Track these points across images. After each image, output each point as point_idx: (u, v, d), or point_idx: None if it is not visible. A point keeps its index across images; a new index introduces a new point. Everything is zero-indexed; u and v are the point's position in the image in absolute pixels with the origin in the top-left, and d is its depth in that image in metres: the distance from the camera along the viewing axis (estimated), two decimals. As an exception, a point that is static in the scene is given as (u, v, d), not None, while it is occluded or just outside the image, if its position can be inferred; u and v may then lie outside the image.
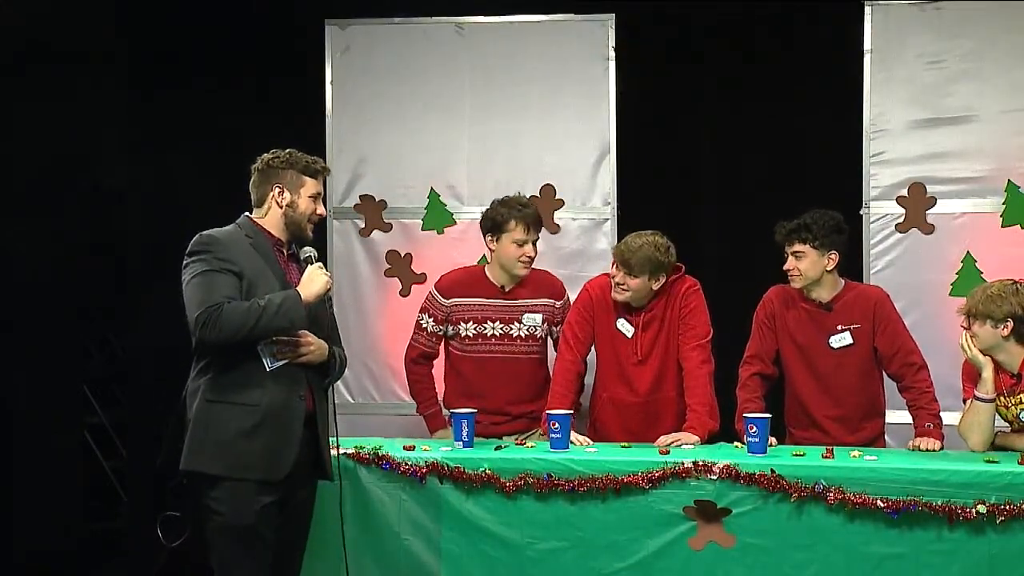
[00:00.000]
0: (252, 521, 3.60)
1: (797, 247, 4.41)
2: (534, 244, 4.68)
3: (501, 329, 4.71)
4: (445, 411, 4.77)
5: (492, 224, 4.68)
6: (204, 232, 3.70)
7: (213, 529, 3.62)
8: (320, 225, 5.38)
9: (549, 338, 4.82)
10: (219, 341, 3.56)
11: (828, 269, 4.43)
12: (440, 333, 4.78)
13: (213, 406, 3.62)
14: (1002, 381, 4.16)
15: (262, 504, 3.61)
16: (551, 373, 4.70)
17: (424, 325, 4.79)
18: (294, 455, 3.67)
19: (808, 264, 4.41)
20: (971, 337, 4.16)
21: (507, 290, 4.73)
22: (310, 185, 3.83)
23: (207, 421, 3.61)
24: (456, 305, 4.74)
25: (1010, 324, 4.10)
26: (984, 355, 4.14)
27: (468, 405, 4.48)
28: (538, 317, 4.74)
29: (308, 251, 3.84)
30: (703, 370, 4.47)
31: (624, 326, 4.59)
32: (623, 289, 4.51)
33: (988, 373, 4.11)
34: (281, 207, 3.79)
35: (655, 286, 4.52)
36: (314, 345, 3.75)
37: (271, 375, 3.65)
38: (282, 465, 3.64)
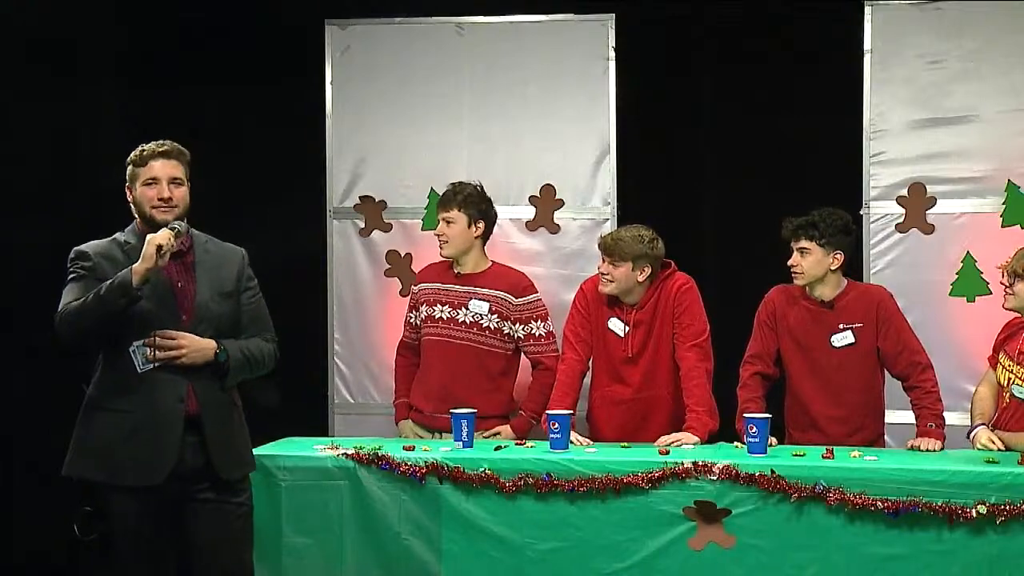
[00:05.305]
0: (134, 524, 3.56)
1: (803, 243, 4.42)
2: (447, 223, 4.74)
3: (448, 312, 4.76)
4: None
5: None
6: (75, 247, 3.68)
7: (103, 532, 3.65)
8: (320, 225, 5.43)
9: (510, 335, 4.77)
10: (70, 340, 3.53)
11: (832, 268, 4.44)
12: (415, 322, 4.88)
13: (93, 412, 3.62)
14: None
15: (143, 509, 3.55)
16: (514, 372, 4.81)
17: (408, 317, 4.93)
18: (172, 462, 3.56)
19: (812, 262, 4.41)
20: (1008, 296, 4.16)
21: (460, 275, 4.79)
22: (141, 173, 3.72)
23: (87, 427, 3.61)
24: (421, 290, 4.87)
25: None
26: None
27: (419, 393, 4.73)
28: (484, 306, 4.73)
29: (175, 225, 3.61)
30: (700, 369, 4.47)
31: (616, 325, 4.60)
32: (608, 280, 4.55)
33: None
34: (133, 205, 3.75)
35: (640, 277, 4.54)
36: (188, 347, 3.59)
37: (146, 381, 3.57)
38: (156, 472, 3.54)
